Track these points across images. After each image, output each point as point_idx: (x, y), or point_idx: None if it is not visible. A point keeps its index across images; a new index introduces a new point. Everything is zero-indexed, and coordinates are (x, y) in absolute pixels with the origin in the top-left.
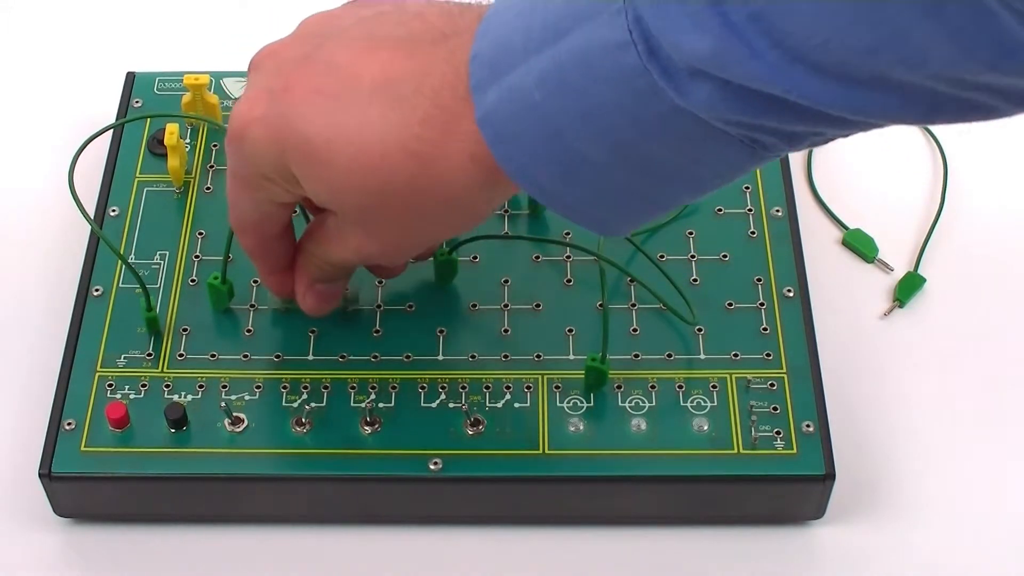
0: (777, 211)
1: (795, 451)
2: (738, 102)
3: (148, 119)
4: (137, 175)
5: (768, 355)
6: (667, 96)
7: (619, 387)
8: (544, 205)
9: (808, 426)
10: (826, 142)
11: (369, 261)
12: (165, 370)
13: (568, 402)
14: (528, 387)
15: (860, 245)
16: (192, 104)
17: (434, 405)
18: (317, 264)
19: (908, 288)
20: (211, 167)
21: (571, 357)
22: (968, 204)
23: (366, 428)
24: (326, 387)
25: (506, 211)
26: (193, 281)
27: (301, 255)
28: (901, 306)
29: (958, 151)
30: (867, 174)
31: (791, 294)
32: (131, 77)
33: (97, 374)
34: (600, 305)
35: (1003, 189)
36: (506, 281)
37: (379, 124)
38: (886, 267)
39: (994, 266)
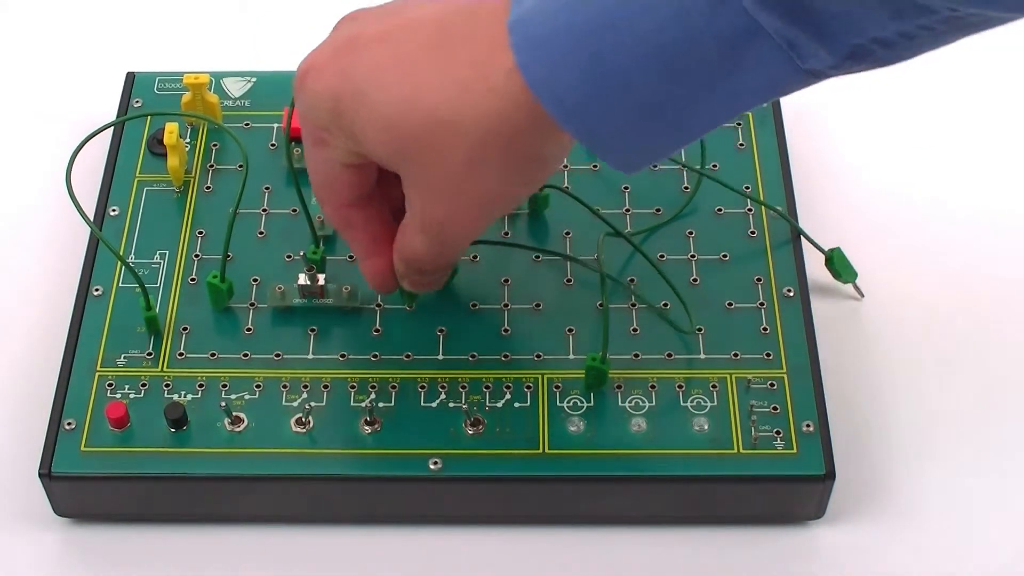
0: (777, 212)
1: (795, 451)
2: None
3: (148, 117)
4: (137, 175)
5: (768, 355)
6: None
7: (619, 387)
8: (563, 126)
9: (808, 426)
10: (870, 65)
11: (438, 239)
12: (165, 370)
13: (568, 402)
14: (528, 387)
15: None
16: (192, 103)
17: (434, 405)
18: (402, 259)
19: (840, 265)
20: (211, 166)
21: (571, 357)
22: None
23: (366, 428)
24: (326, 386)
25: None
26: (193, 280)
27: (397, 251)
28: (845, 282)
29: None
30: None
31: (791, 294)
32: (131, 77)
33: (97, 374)
34: (600, 305)
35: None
36: (506, 281)
37: (430, 68)
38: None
39: (993, 267)
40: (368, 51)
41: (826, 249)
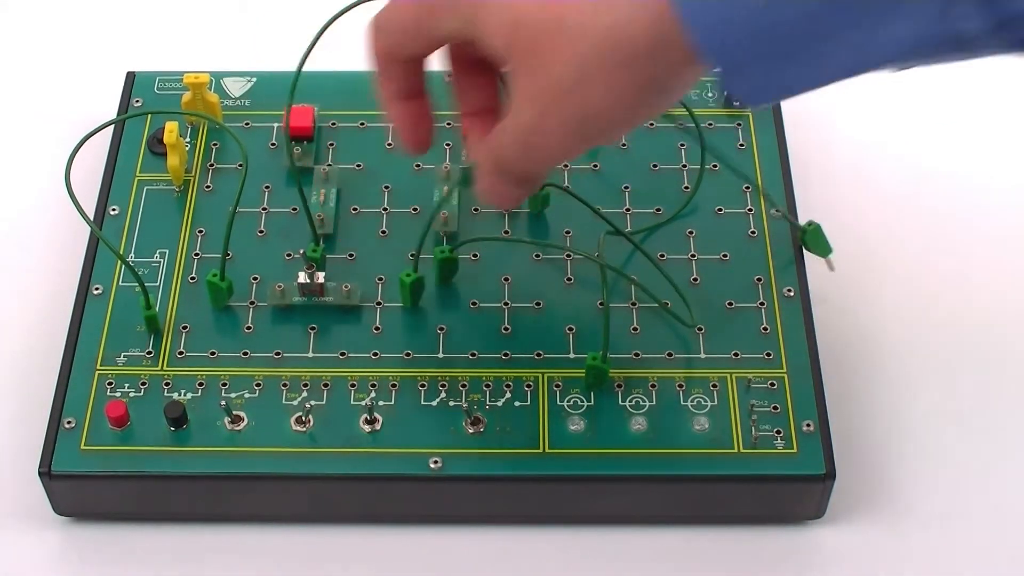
0: (777, 211)
1: (795, 451)
2: None
3: (148, 116)
4: (137, 174)
5: (768, 355)
6: None
7: (619, 386)
8: (701, 47)
9: (808, 426)
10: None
11: (526, 144)
12: (165, 368)
13: (568, 401)
14: (528, 386)
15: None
16: (192, 103)
17: (434, 403)
18: (488, 150)
19: (813, 240)
20: (211, 165)
21: (571, 356)
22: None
23: (366, 426)
24: (326, 385)
25: (507, 210)
26: (193, 279)
27: (482, 150)
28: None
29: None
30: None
31: (791, 294)
32: (131, 77)
33: (97, 372)
34: (601, 304)
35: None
36: (507, 279)
37: None
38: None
39: (994, 267)
40: None
41: (802, 224)
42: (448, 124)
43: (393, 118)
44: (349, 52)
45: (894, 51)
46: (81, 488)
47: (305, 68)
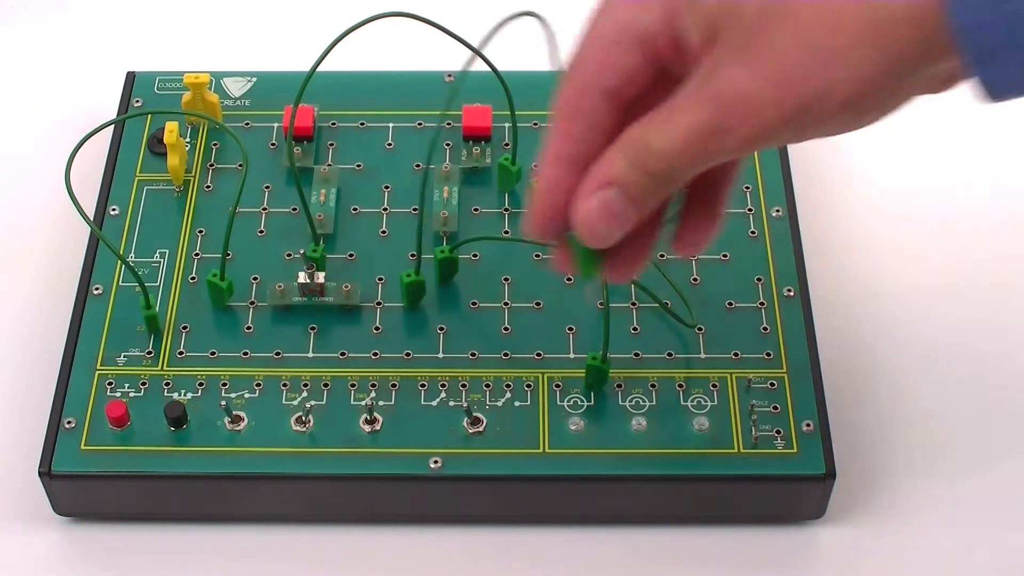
0: (777, 211)
1: (795, 450)
2: None
3: (148, 116)
4: (137, 174)
5: (768, 355)
6: None
7: (619, 386)
8: (954, 19)
9: (808, 425)
10: None
11: (716, 139)
12: (165, 368)
13: (568, 401)
14: (528, 386)
15: None
16: (192, 103)
17: (434, 403)
18: (634, 149)
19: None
20: (211, 165)
21: (571, 356)
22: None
23: (366, 426)
24: (326, 385)
25: (506, 209)
26: (193, 279)
27: (615, 145)
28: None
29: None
30: None
31: (791, 294)
32: (131, 77)
33: (97, 372)
34: (601, 304)
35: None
36: (507, 279)
37: None
38: None
39: (994, 267)
40: None
41: None
42: (448, 124)
43: (542, 181)
44: (349, 52)
45: None
46: (81, 488)
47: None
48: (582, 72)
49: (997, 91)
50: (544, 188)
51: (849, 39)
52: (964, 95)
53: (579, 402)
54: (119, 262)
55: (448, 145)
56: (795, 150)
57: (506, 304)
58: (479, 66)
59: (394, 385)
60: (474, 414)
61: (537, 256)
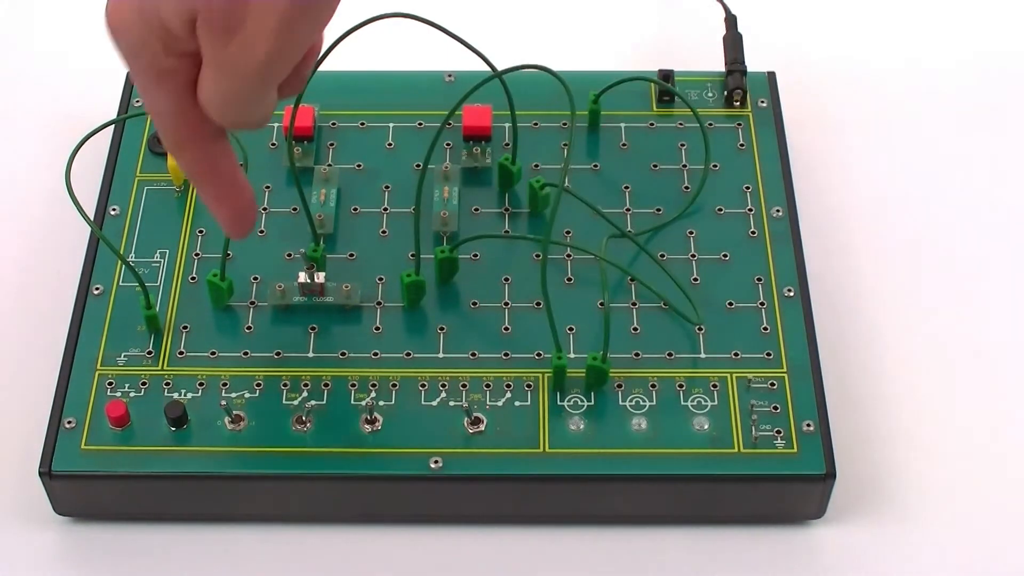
0: (777, 211)
1: (795, 450)
2: None
3: (148, 116)
4: (137, 174)
5: (768, 354)
6: None
7: (620, 386)
8: None
9: (808, 425)
10: None
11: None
12: (165, 368)
13: (568, 401)
14: (528, 386)
15: None
16: None
17: (434, 403)
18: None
19: None
20: None
21: (572, 356)
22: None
23: (366, 426)
24: (326, 385)
25: (506, 209)
26: (193, 279)
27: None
28: None
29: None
30: None
31: (791, 294)
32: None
33: (97, 372)
34: (601, 304)
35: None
36: (507, 279)
37: None
38: None
39: (994, 266)
40: None
41: None
42: (449, 124)
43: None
44: (349, 52)
45: None
46: (81, 488)
47: None
48: (187, 135)
49: None
50: (241, 208)
51: None
52: (965, 97)
53: (579, 402)
54: (119, 262)
55: (448, 145)
56: (795, 150)
57: (506, 304)
58: (479, 66)
59: (394, 385)
60: (474, 414)
61: (538, 256)
